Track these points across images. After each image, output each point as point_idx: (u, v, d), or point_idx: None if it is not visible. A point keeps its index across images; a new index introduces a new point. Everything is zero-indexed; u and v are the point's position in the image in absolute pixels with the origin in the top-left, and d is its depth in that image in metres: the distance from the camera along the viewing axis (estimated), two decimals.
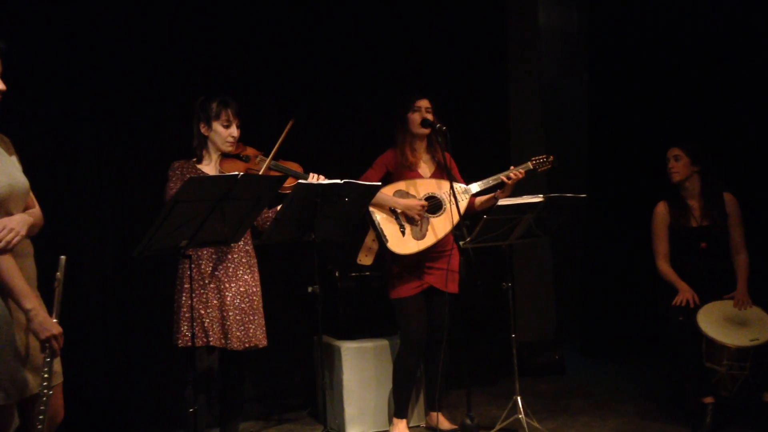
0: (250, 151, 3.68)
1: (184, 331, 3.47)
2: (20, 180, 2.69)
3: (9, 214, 2.58)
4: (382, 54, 5.41)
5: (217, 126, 3.58)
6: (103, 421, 4.51)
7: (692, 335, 4.22)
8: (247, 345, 3.54)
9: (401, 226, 4.10)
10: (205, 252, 3.52)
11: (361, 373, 4.46)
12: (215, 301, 3.50)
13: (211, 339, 3.47)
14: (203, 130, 3.60)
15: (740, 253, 4.49)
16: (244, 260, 3.61)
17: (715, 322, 4.23)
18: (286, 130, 3.63)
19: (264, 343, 3.63)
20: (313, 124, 5.15)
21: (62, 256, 2.66)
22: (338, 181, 3.47)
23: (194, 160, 3.62)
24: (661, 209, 4.57)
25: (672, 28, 6.04)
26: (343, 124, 5.29)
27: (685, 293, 4.37)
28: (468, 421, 4.11)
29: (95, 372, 4.50)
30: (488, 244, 4.01)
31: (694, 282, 4.43)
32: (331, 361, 4.53)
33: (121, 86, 4.64)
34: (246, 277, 3.59)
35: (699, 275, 4.44)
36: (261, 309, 3.65)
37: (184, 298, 3.50)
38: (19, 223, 2.57)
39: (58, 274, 2.65)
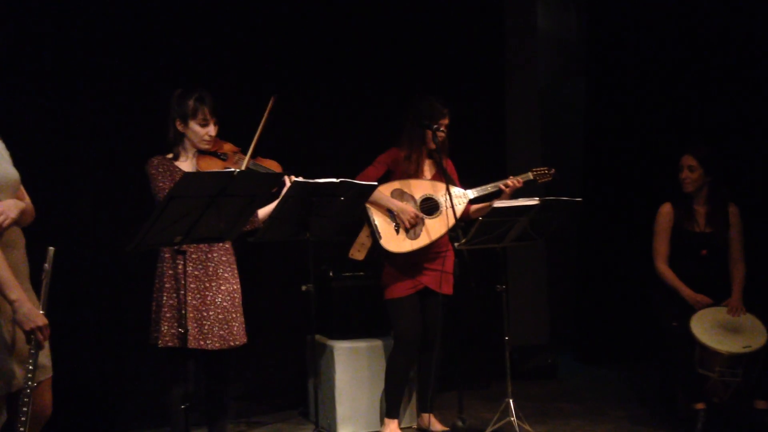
0: (227, 147, 3.59)
1: (164, 330, 3.40)
2: (9, 171, 2.67)
3: None
4: (379, 56, 5.40)
5: (193, 124, 3.48)
6: (94, 417, 4.49)
7: (685, 341, 4.22)
8: (231, 344, 3.49)
9: (396, 225, 4.09)
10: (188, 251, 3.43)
11: (354, 373, 4.45)
12: (195, 302, 3.42)
13: (189, 341, 3.37)
14: (179, 127, 3.50)
15: (738, 263, 4.49)
16: (224, 258, 3.55)
17: (708, 329, 4.23)
18: (267, 109, 3.54)
19: (245, 340, 3.57)
20: (309, 123, 5.14)
21: (50, 248, 2.64)
22: (334, 179, 3.45)
23: (170, 156, 3.53)
24: (667, 210, 4.56)
25: (670, 34, 6.05)
26: (339, 124, 5.28)
27: (695, 299, 4.37)
28: (459, 424, 4.11)
29: (86, 367, 4.48)
30: (483, 246, 4.01)
31: (690, 287, 4.43)
32: (324, 361, 4.52)
33: (113, 79, 4.62)
34: (227, 275, 3.54)
35: (696, 281, 4.43)
36: (241, 306, 3.59)
37: (165, 297, 3.42)
38: (8, 207, 2.55)
39: (46, 265, 2.63)
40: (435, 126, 4.10)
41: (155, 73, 4.69)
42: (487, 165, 4.94)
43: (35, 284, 2.69)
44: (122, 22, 4.66)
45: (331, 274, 4.67)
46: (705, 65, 5.87)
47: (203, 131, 3.50)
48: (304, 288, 3.69)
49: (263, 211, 3.57)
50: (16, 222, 2.58)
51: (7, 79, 4.29)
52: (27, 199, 2.76)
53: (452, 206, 3.96)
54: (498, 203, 3.93)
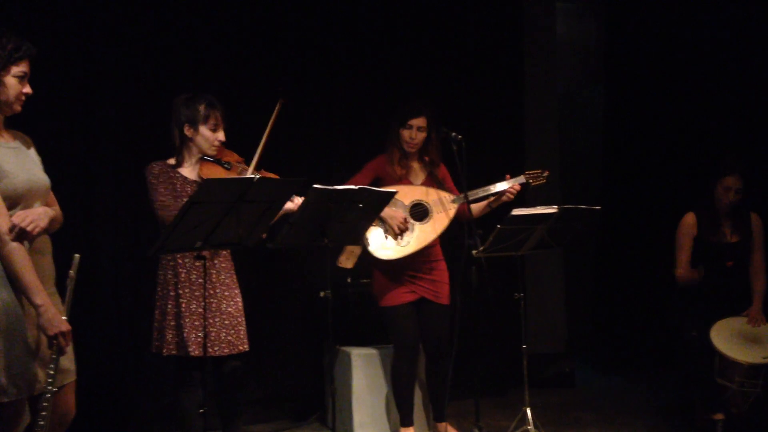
0: (230, 156, 3.59)
1: (169, 339, 3.41)
2: (40, 177, 2.72)
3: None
4: (398, 62, 5.41)
5: (203, 129, 3.47)
6: (112, 420, 4.52)
7: (705, 351, 4.20)
8: (240, 348, 3.50)
9: (384, 231, 4.08)
10: (187, 260, 3.45)
11: (371, 379, 4.45)
12: (200, 309, 3.40)
13: (194, 349, 3.38)
14: (188, 132, 3.48)
15: (759, 273, 4.46)
16: (224, 264, 3.56)
17: (728, 339, 4.20)
18: (275, 113, 3.54)
19: (247, 347, 3.56)
20: (323, 128, 5.16)
21: (76, 255, 2.68)
22: (353, 186, 3.46)
23: (172, 162, 3.51)
24: (689, 220, 4.49)
25: (689, 41, 6.03)
26: (358, 130, 5.29)
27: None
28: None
29: (106, 371, 4.51)
30: (501, 253, 4.00)
31: (714, 298, 4.40)
32: (341, 367, 4.53)
33: (136, 85, 4.65)
34: (228, 281, 3.55)
35: (721, 293, 4.40)
36: (243, 311, 3.58)
37: (169, 306, 3.44)
38: (39, 215, 2.58)
39: (71, 272, 2.66)
40: (404, 124, 4.08)
41: (176, 80, 4.72)
42: (505, 171, 4.90)
43: (60, 289, 2.72)
44: (146, 29, 4.70)
45: (349, 280, 4.68)
46: (723, 72, 5.85)
47: (213, 136, 3.50)
48: (322, 294, 3.70)
49: None
50: (45, 230, 2.62)
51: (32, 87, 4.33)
52: (56, 205, 2.80)
53: (469, 210, 3.93)
54: (516, 211, 3.91)
